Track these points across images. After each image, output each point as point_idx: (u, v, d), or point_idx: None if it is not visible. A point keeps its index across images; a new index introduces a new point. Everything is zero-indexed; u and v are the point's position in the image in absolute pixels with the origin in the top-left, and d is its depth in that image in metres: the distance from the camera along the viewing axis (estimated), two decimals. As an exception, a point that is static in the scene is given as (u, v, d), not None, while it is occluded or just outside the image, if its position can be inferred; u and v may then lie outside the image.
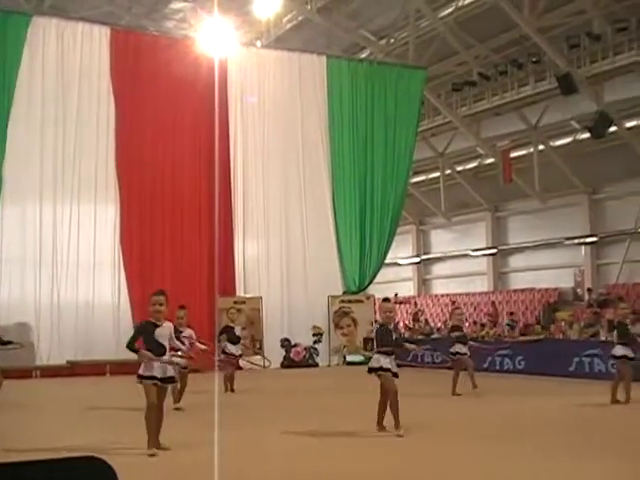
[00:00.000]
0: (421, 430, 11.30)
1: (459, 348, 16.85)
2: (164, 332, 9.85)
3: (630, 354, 14.60)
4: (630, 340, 14.75)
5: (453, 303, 36.36)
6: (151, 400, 9.54)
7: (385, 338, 11.25)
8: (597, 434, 11.18)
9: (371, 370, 11.22)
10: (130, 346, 9.83)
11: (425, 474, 8.46)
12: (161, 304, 9.82)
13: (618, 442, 10.22)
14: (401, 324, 34.79)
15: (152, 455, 9.28)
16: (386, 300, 12.08)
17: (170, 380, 9.94)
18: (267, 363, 21.90)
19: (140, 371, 9.73)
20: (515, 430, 11.61)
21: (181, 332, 14.25)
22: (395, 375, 11.16)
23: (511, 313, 33.05)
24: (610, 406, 14.24)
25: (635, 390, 14.37)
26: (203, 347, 15.64)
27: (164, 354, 9.82)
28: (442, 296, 40.17)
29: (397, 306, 38.33)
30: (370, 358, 11.51)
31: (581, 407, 14.39)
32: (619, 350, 14.68)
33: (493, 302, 34.91)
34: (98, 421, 13.14)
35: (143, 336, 9.86)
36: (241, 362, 20.62)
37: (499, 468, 8.56)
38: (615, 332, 14.99)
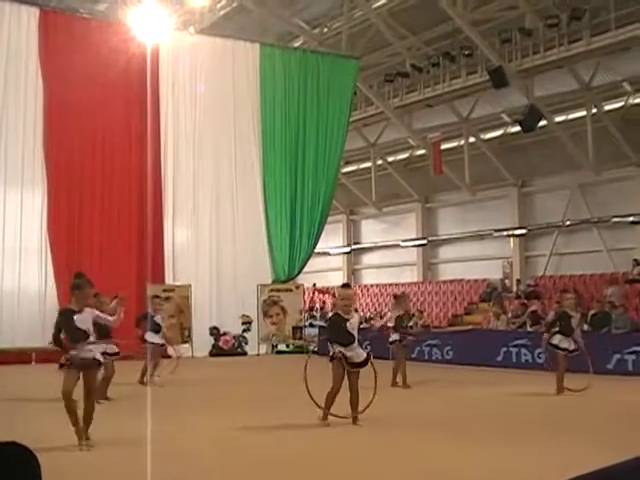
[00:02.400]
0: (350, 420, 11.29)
1: (395, 336, 16.81)
2: (85, 317, 9.43)
3: (571, 347, 14.65)
4: (571, 332, 14.76)
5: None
6: (67, 388, 9.23)
7: (335, 328, 11.01)
8: (527, 422, 11.29)
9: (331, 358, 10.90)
10: (55, 339, 9.49)
11: (358, 464, 8.42)
12: (94, 295, 9.72)
13: (549, 429, 10.34)
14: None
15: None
16: (346, 286, 11.78)
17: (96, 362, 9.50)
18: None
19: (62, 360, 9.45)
20: (448, 420, 11.68)
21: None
22: (360, 365, 10.93)
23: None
24: (540, 395, 14.46)
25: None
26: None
27: (87, 339, 9.40)
28: (372, 286, 40.33)
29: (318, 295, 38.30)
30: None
31: (512, 396, 14.54)
32: (562, 342, 14.69)
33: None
34: (23, 411, 12.86)
35: (64, 325, 9.48)
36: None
37: (434, 457, 8.58)
38: (558, 322, 14.95)
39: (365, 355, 11.01)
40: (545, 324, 16.31)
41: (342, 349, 10.74)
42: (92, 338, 9.53)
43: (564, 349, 14.60)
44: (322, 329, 24.78)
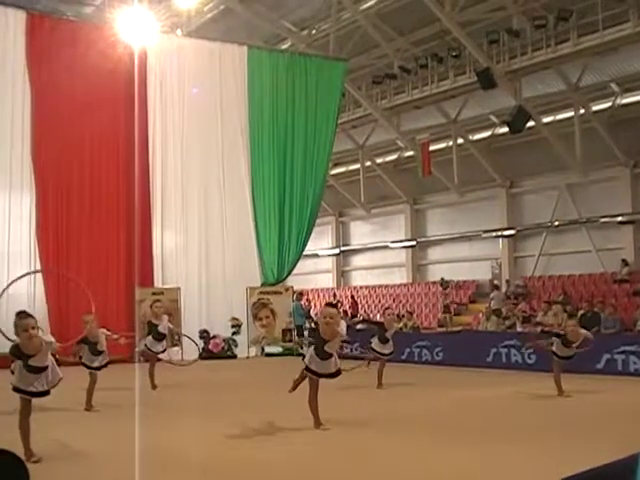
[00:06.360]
0: (342, 423, 11.24)
1: (375, 345, 16.79)
2: (42, 357, 9.18)
3: (570, 353, 14.43)
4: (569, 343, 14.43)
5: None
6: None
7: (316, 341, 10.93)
8: (523, 423, 11.27)
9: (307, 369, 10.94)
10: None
11: (346, 467, 8.38)
12: (33, 327, 9.03)
13: (545, 429, 10.32)
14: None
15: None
16: (330, 305, 11.68)
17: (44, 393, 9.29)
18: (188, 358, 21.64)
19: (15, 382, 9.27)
20: (440, 421, 11.66)
21: (94, 342, 13.49)
22: (332, 375, 10.92)
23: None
24: (533, 395, 14.46)
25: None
26: (122, 339, 15.23)
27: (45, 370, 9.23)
28: (361, 288, 40.31)
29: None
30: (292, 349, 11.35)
31: (506, 397, 14.53)
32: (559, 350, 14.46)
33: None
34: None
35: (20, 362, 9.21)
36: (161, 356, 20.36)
37: (424, 460, 8.55)
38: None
39: (335, 369, 10.96)
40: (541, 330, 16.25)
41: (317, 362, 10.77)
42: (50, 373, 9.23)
43: (561, 357, 14.45)
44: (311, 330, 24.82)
